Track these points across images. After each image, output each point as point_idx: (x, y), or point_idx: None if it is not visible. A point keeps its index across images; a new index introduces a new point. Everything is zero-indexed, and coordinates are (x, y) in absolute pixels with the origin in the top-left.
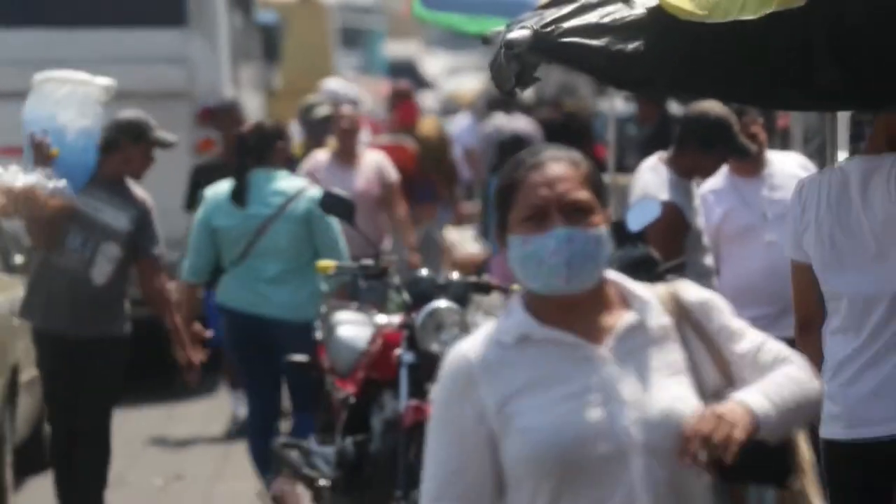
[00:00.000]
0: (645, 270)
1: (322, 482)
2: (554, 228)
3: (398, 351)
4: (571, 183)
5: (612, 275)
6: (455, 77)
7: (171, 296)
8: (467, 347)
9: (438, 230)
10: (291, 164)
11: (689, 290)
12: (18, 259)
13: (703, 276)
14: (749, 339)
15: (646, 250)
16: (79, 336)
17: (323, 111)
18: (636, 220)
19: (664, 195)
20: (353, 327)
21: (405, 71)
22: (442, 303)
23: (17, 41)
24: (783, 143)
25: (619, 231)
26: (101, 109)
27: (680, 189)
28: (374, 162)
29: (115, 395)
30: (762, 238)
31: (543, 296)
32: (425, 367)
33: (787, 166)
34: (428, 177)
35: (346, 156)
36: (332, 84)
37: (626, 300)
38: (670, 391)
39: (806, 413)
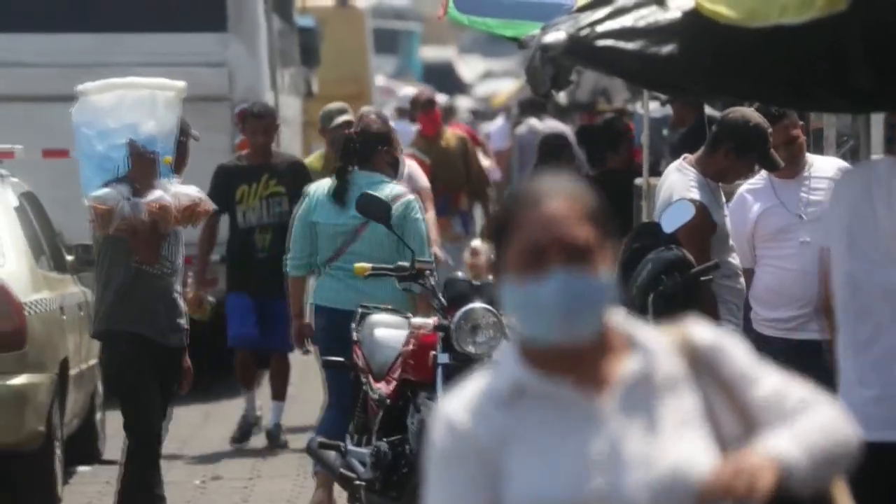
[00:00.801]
0: (679, 272)
1: (358, 483)
2: (551, 272)
3: (434, 352)
4: (571, 221)
5: (616, 319)
6: (490, 81)
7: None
8: (455, 407)
9: (456, 244)
10: (395, 168)
11: (702, 332)
12: (69, 258)
13: (731, 277)
14: (772, 380)
15: (680, 252)
16: (169, 342)
17: (341, 118)
18: (670, 223)
19: (692, 195)
20: (390, 329)
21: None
22: (477, 304)
23: (63, 46)
24: (816, 145)
25: (654, 232)
26: (178, 112)
27: (706, 190)
28: (402, 170)
29: (170, 403)
30: (797, 239)
31: (540, 344)
32: (461, 369)
33: (826, 169)
34: (441, 189)
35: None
36: (409, 90)
37: (632, 346)
38: (682, 446)
39: (842, 461)
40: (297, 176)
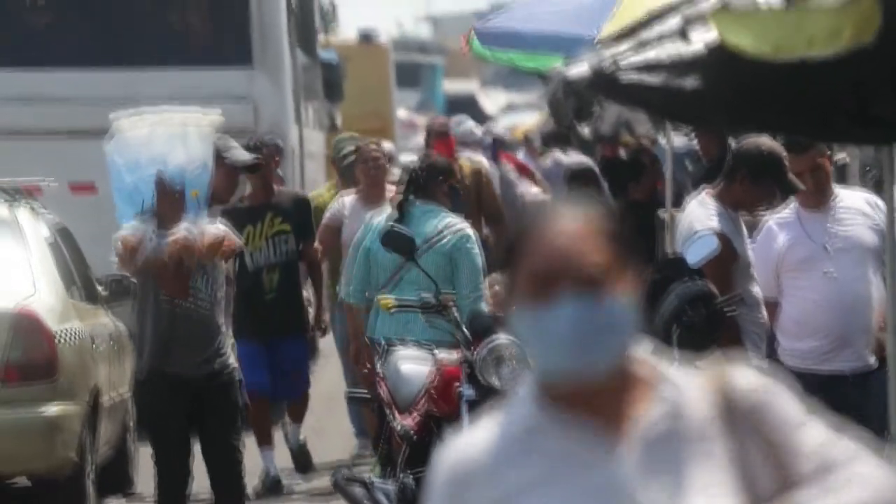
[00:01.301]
0: (703, 304)
1: None
2: (560, 298)
3: (458, 385)
4: (585, 244)
5: (643, 353)
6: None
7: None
8: (465, 444)
9: None
10: (456, 200)
11: (742, 376)
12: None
13: (752, 307)
14: (815, 432)
15: (704, 284)
16: (206, 376)
17: (350, 149)
18: (695, 255)
19: (712, 224)
20: (414, 362)
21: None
22: (502, 337)
23: (92, 81)
24: (840, 176)
25: (678, 264)
26: (209, 145)
27: (727, 220)
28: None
29: (239, 431)
30: (821, 270)
31: (552, 378)
32: (486, 402)
33: (854, 201)
34: None
35: (373, 196)
36: (469, 123)
37: (661, 386)
38: (707, 501)
39: None
40: (301, 212)
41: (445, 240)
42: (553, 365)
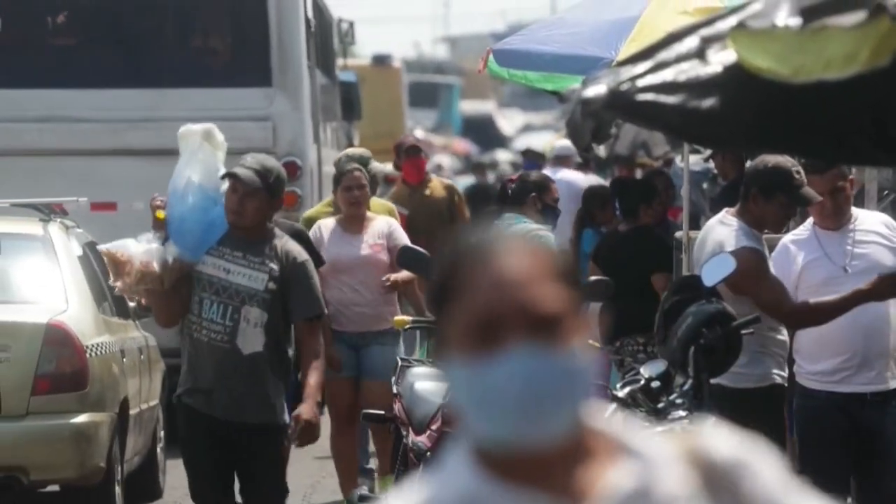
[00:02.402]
0: (720, 325)
1: None
2: (507, 350)
3: None
4: (534, 283)
5: (600, 417)
6: (529, 134)
7: (321, 362)
8: None
9: None
10: (550, 217)
11: (721, 442)
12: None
13: (775, 328)
14: (804, 501)
15: (721, 305)
16: (234, 419)
17: (350, 166)
18: (711, 276)
19: (738, 243)
20: (430, 381)
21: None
22: None
23: (113, 101)
24: (857, 199)
25: (695, 285)
26: (210, 155)
27: (753, 239)
28: (383, 226)
29: (281, 490)
30: (841, 291)
31: (495, 447)
32: None
33: (871, 223)
34: (423, 242)
35: (356, 222)
36: (565, 141)
37: (625, 454)
38: None
39: None
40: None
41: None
42: (498, 430)
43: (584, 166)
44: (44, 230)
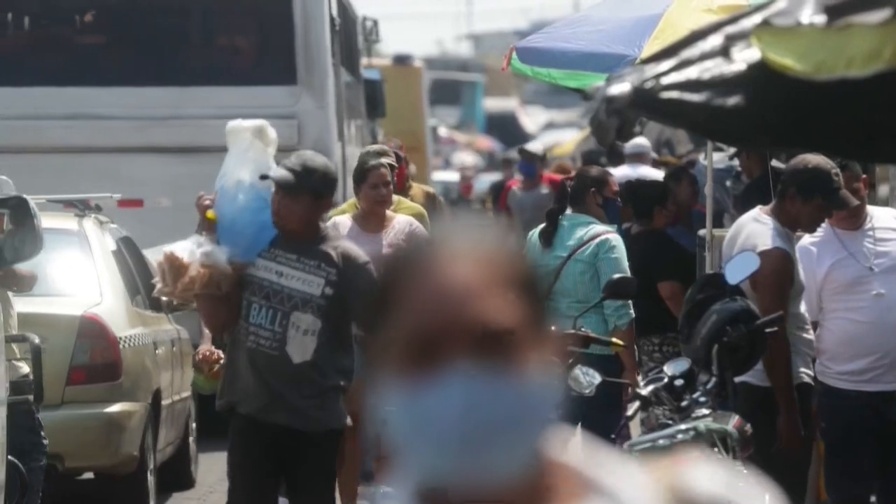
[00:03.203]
0: (744, 323)
1: None
2: (447, 372)
3: None
4: (481, 294)
5: (567, 452)
6: (552, 131)
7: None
8: None
9: None
10: (612, 211)
11: (704, 481)
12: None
13: (803, 328)
14: None
15: (745, 303)
16: (289, 427)
17: (374, 162)
18: (735, 274)
19: (774, 243)
20: None
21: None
22: None
23: (140, 99)
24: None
25: (719, 284)
26: (261, 153)
27: (785, 238)
28: (404, 225)
29: (329, 496)
30: (870, 291)
31: (435, 488)
32: None
33: (887, 220)
34: None
35: (376, 221)
36: (640, 139)
37: (594, 495)
38: None
39: None
40: None
41: (585, 247)
42: (436, 466)
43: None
44: (79, 225)
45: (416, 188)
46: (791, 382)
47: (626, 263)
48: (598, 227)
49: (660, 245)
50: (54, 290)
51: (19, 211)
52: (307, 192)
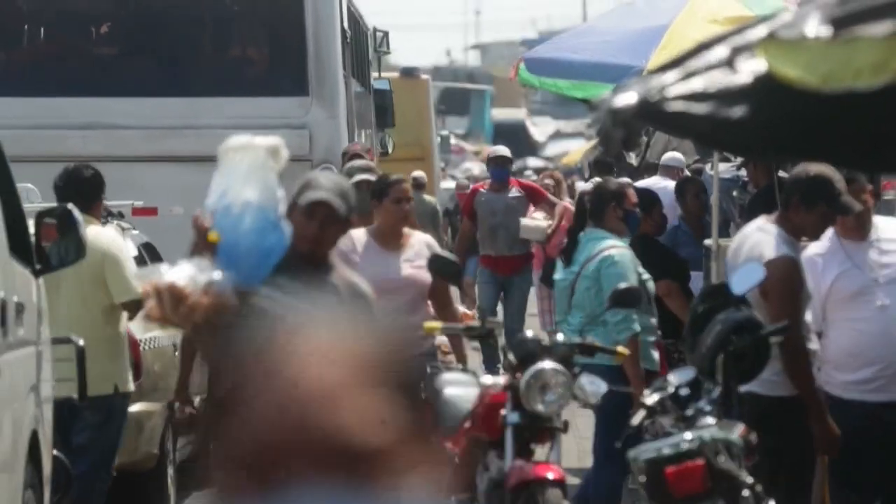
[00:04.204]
0: (749, 333)
1: None
2: (293, 495)
3: (503, 411)
4: (337, 397)
5: None
6: (560, 141)
7: None
8: None
9: None
10: (633, 224)
11: None
12: None
13: (809, 338)
14: None
15: (749, 313)
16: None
17: (361, 178)
18: (740, 284)
19: (780, 251)
20: (459, 387)
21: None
22: (547, 364)
23: (154, 109)
24: (887, 210)
25: (723, 293)
26: (272, 174)
27: (791, 246)
28: (422, 245)
29: None
30: (875, 302)
31: None
32: (530, 427)
33: (892, 231)
34: None
35: (395, 237)
36: (676, 153)
37: None
38: None
39: None
40: None
41: (591, 263)
42: None
43: (610, 173)
44: None
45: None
46: (814, 387)
47: (630, 277)
48: (607, 242)
49: (646, 248)
50: None
51: (65, 219)
52: (346, 217)
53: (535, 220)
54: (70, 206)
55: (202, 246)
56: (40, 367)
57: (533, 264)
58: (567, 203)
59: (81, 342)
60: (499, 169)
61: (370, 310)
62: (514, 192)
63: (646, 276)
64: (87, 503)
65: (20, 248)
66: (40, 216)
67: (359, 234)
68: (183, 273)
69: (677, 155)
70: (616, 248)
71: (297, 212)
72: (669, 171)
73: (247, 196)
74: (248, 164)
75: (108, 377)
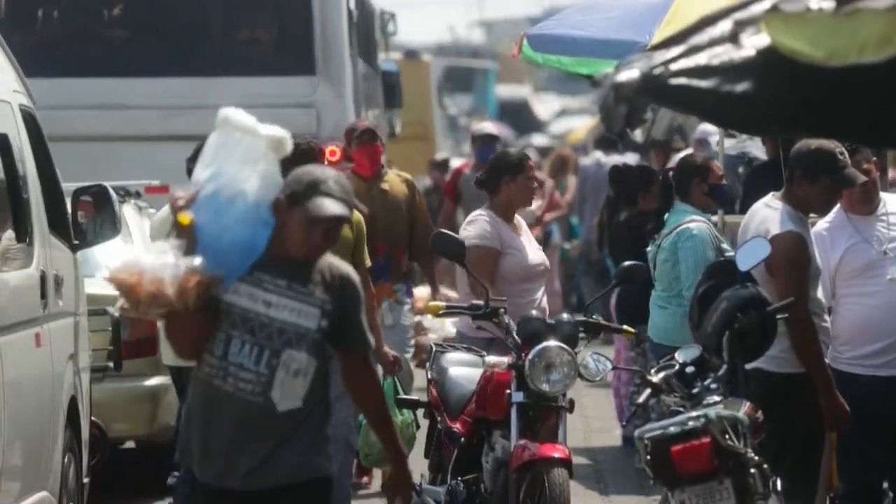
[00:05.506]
0: (755, 310)
1: None
2: None
3: (508, 391)
4: None
5: None
6: (565, 118)
7: (382, 398)
8: None
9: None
10: (721, 197)
11: None
12: None
13: (819, 314)
14: None
15: (755, 290)
16: (261, 488)
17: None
18: (746, 260)
19: (785, 227)
20: (465, 367)
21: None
22: (551, 343)
23: (164, 89)
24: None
25: (729, 270)
26: (272, 167)
27: (798, 222)
28: (527, 228)
29: None
30: (884, 275)
31: None
32: (535, 407)
33: None
34: (381, 247)
35: (512, 214)
36: (707, 125)
37: None
38: None
39: None
40: None
41: (669, 237)
42: None
43: (613, 148)
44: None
45: (392, 175)
46: (823, 363)
47: (707, 252)
48: (691, 217)
49: (647, 226)
50: (97, 271)
51: (100, 197)
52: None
53: None
54: (105, 184)
55: (178, 230)
56: (78, 337)
57: None
58: (571, 182)
59: (117, 313)
60: (484, 148)
61: (363, 303)
62: None
63: (730, 251)
64: None
65: (58, 224)
66: (77, 194)
67: (491, 217)
68: (132, 263)
69: (708, 127)
70: (695, 221)
71: (301, 216)
72: (702, 144)
73: (243, 185)
74: (246, 148)
75: None
